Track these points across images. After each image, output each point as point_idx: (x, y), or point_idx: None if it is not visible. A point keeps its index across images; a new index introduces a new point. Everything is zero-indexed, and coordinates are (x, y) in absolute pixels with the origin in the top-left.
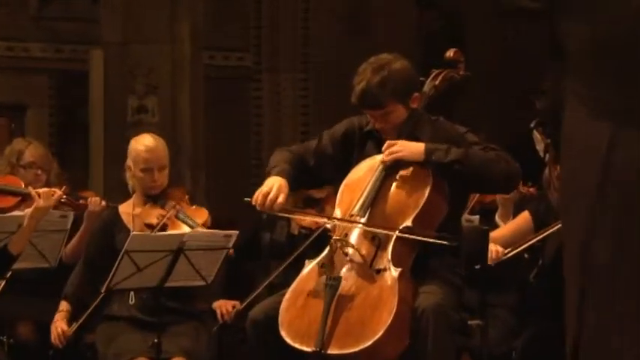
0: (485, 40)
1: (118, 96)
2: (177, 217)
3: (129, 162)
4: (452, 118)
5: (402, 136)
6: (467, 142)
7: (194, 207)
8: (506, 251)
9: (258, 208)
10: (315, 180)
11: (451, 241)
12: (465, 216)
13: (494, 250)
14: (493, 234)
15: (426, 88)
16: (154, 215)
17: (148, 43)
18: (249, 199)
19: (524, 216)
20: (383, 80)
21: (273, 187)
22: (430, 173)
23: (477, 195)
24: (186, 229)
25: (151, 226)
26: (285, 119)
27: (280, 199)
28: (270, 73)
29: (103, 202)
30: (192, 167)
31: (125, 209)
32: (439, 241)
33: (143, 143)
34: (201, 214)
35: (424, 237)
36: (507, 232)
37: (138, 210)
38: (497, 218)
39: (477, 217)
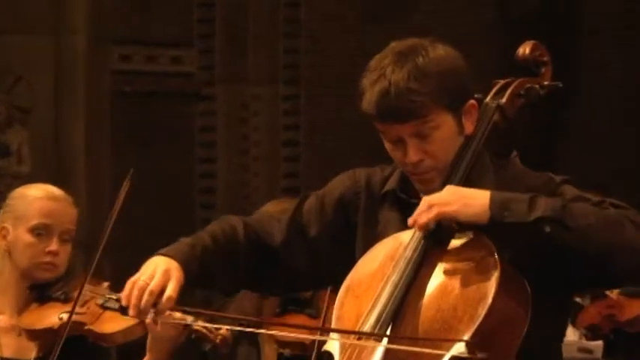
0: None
1: None
2: (103, 305)
3: (3, 221)
4: (543, 164)
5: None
6: (564, 198)
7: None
8: None
9: (130, 313)
10: (280, 277)
11: None
12: (573, 340)
13: None
14: None
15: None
16: (49, 316)
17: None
18: (113, 297)
19: None
20: (420, 70)
21: (156, 272)
22: (497, 250)
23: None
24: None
25: (46, 334)
26: (254, 158)
27: (169, 291)
28: (230, 84)
29: None
30: (90, 244)
31: None
32: None
33: (42, 189)
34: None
35: None
36: None
37: (4, 318)
38: None
39: (600, 343)
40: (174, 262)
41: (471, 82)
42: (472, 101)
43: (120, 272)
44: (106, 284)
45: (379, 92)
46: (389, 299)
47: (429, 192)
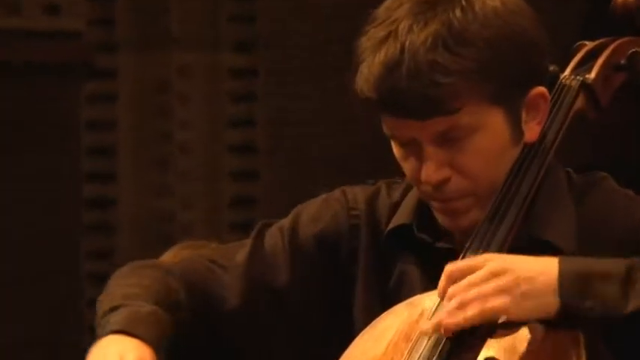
0: None
1: None
2: None
3: None
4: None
5: (497, 224)
6: None
7: None
8: None
9: None
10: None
11: None
12: None
13: None
14: None
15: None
16: None
17: None
18: None
19: None
20: (454, 32)
21: None
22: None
23: None
24: None
25: None
26: (179, 173)
27: None
28: (141, 51)
29: None
30: None
31: None
32: None
33: None
34: None
35: None
36: None
37: None
38: None
39: None
40: (147, 350)
41: (546, 55)
42: (540, 89)
43: None
44: None
45: (385, 64)
46: None
47: (459, 230)
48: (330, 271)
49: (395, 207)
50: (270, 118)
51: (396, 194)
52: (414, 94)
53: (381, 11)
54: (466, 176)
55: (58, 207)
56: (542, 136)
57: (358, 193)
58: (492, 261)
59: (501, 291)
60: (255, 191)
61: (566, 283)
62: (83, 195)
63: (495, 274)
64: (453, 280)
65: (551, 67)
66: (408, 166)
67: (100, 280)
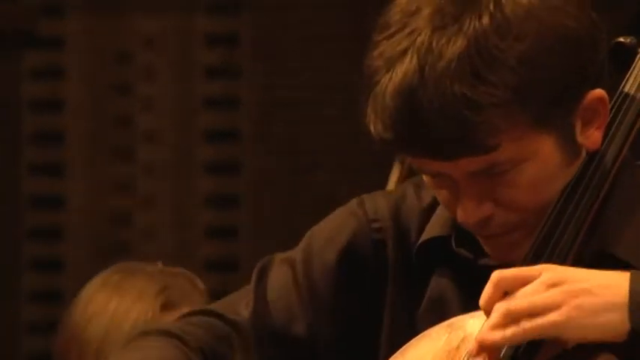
0: None
1: None
2: None
3: None
4: None
5: (550, 252)
6: None
7: None
8: None
9: None
10: None
11: None
12: None
13: None
14: None
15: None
16: None
17: None
18: None
19: None
20: (491, 47)
21: None
22: None
23: None
24: None
25: None
26: (144, 167)
27: None
28: (95, 16)
29: None
30: None
31: None
32: None
33: None
34: None
35: None
36: None
37: None
38: None
39: None
40: None
41: (600, 48)
42: (597, 93)
43: None
44: None
45: (399, 93)
46: None
47: (508, 259)
48: (353, 302)
49: (427, 213)
50: (256, 98)
51: (428, 197)
52: (439, 134)
53: (394, 15)
54: (513, 210)
55: None
56: (610, 138)
57: (380, 201)
58: (550, 271)
59: (554, 304)
60: (237, 187)
61: (639, 302)
62: (24, 191)
63: (551, 286)
64: (501, 290)
65: (627, 39)
66: (440, 197)
67: (44, 298)
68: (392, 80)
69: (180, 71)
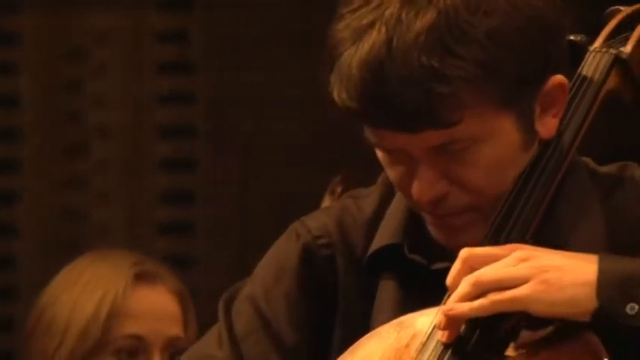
0: None
1: None
2: None
3: None
4: None
5: (507, 234)
6: None
7: None
8: None
9: None
10: None
11: None
12: None
13: None
14: None
15: (591, 70)
16: None
17: None
18: None
19: None
20: (459, 21)
21: None
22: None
23: None
24: None
25: None
26: (97, 165)
27: None
28: (49, 12)
29: None
30: None
31: None
32: None
33: None
34: None
35: None
36: None
37: None
38: None
39: None
40: None
41: (564, 34)
42: (558, 78)
43: None
44: None
45: (367, 64)
46: None
47: (458, 248)
48: (314, 317)
49: (373, 222)
50: (211, 94)
51: (368, 206)
52: (404, 105)
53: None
54: (468, 190)
55: None
56: (564, 126)
57: (321, 218)
58: (520, 250)
59: (524, 277)
60: (192, 184)
61: (607, 280)
62: None
63: (522, 260)
64: (469, 267)
65: (578, 37)
66: (394, 175)
67: None
68: (359, 51)
69: (134, 68)
